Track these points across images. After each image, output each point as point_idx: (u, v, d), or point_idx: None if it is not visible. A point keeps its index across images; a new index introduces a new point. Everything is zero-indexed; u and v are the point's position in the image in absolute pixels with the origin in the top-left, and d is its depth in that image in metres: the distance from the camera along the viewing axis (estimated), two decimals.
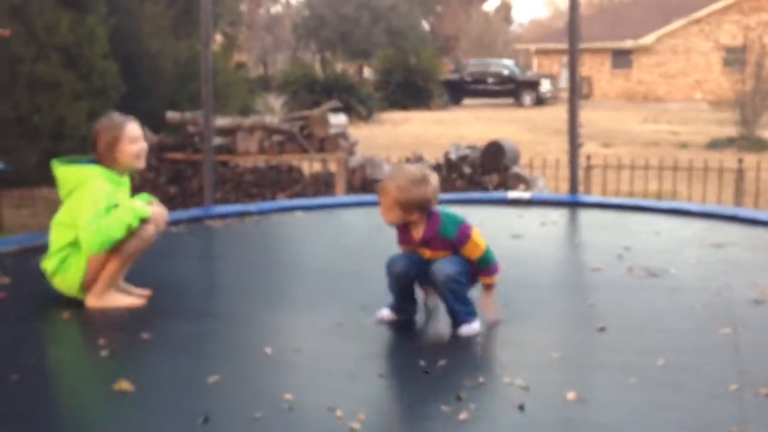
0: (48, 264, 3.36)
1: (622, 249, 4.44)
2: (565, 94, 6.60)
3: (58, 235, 3.35)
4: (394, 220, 3.21)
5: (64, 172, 3.33)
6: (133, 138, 3.34)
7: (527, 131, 20.45)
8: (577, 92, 6.29)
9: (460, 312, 3.13)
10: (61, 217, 3.35)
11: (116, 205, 3.29)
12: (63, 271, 3.33)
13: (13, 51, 10.37)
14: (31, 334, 3.15)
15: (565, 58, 6.59)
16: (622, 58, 35.90)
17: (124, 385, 2.55)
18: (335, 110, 10.23)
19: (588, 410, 2.40)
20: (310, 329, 3.20)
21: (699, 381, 2.62)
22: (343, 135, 9.82)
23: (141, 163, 3.39)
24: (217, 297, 3.74)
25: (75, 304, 3.41)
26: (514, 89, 33.07)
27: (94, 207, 3.21)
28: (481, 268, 3.22)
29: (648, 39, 34.92)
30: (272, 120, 10.07)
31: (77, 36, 10.96)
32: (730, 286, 3.73)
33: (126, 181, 3.47)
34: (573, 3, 6.16)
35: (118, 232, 3.23)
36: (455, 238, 3.16)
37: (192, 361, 2.81)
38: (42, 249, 4.26)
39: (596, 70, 35.92)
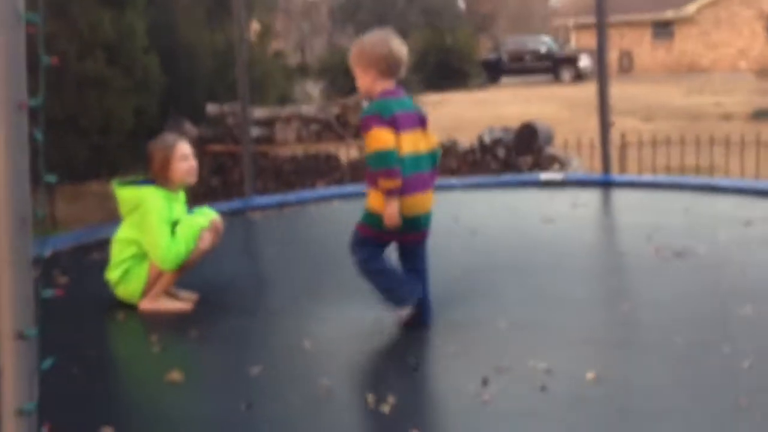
0: (111, 275, 3.65)
1: (651, 229, 4.52)
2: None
3: (119, 250, 3.63)
4: (360, 86, 3.06)
5: (124, 193, 3.62)
6: (183, 156, 3.63)
7: (566, 109, 20.31)
8: (605, 71, 6.35)
9: (384, 299, 3.09)
10: (121, 234, 3.64)
11: (176, 222, 3.57)
12: (125, 282, 3.61)
13: (58, 50, 10.66)
14: (89, 331, 3.40)
15: None
16: (663, 29, 35.29)
17: (175, 376, 2.77)
18: None
19: (606, 390, 2.54)
20: (346, 322, 3.33)
21: (715, 358, 2.74)
22: None
23: (192, 179, 3.68)
24: (258, 292, 3.94)
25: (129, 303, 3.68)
26: (553, 66, 32.72)
27: (161, 230, 3.50)
28: (371, 168, 2.90)
29: (689, 9, 34.29)
30: (308, 110, 10.26)
31: (119, 32, 11.23)
32: (755, 263, 3.81)
33: (181, 196, 3.76)
34: None
35: (188, 248, 3.55)
36: (361, 123, 2.91)
37: (236, 355, 3.00)
38: (96, 245, 4.52)
39: (636, 43, 35.39)
